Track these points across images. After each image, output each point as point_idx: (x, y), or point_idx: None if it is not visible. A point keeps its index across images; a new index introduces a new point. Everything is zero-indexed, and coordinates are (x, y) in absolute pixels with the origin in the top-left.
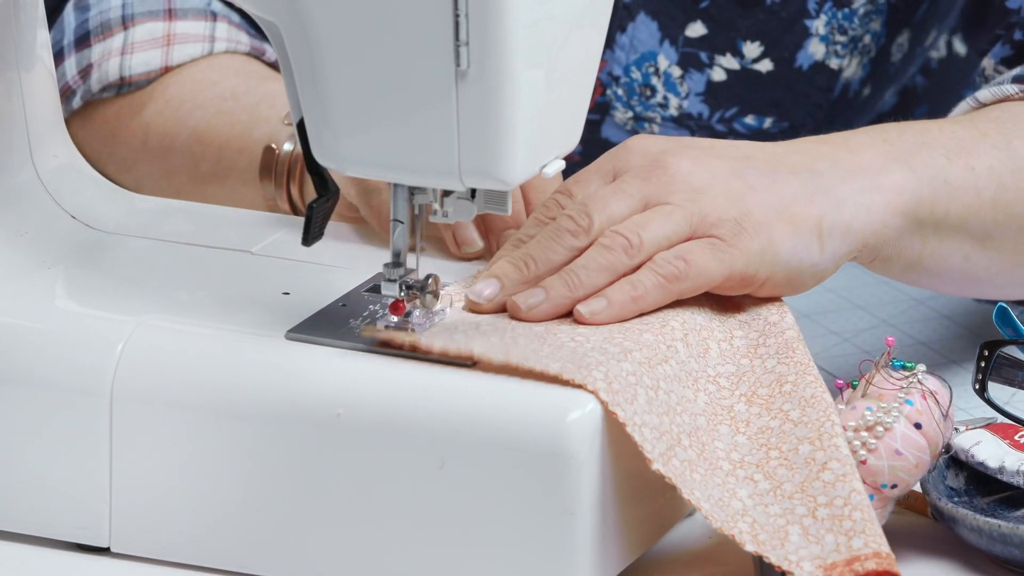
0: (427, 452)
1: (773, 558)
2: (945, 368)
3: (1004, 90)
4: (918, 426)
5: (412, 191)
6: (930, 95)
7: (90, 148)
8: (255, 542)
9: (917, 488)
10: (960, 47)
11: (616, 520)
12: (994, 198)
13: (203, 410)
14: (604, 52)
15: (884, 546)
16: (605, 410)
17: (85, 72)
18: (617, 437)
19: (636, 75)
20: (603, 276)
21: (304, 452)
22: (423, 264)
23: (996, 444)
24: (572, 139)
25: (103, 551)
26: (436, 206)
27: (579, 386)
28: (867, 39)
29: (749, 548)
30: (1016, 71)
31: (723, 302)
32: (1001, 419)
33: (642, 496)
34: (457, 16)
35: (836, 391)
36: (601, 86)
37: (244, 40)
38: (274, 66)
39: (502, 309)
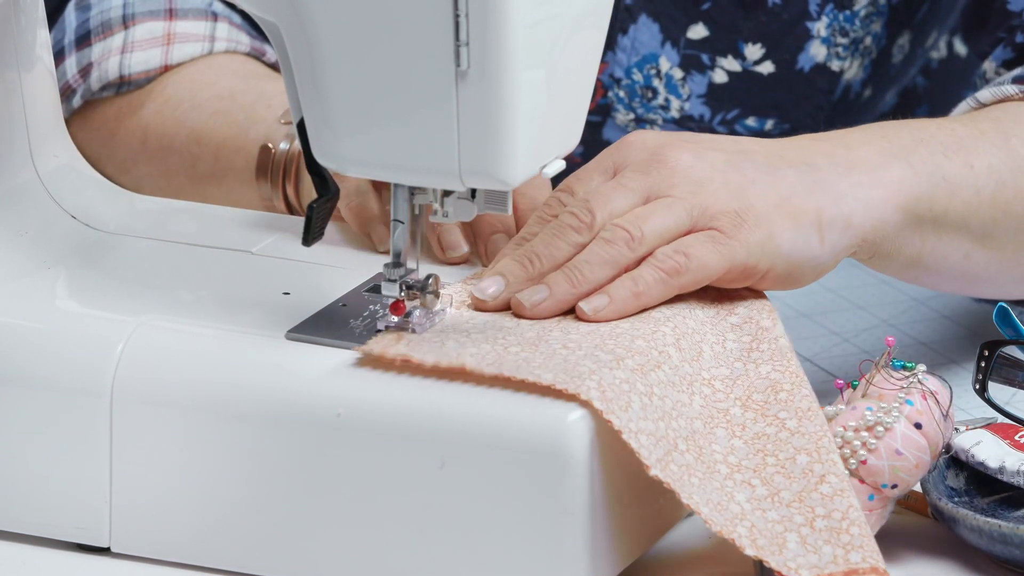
0: (427, 452)
1: (773, 563)
2: (945, 368)
3: (1004, 90)
4: (918, 426)
5: (412, 191)
6: (931, 95)
7: (90, 148)
8: (255, 542)
9: (917, 488)
10: (961, 48)
11: (616, 521)
12: (993, 196)
13: (203, 410)
14: (605, 54)
15: (881, 563)
16: (600, 418)
17: (85, 71)
18: (617, 438)
19: (638, 77)
20: (605, 270)
21: (304, 452)
22: (423, 264)
23: (996, 444)
24: (572, 139)
25: (103, 551)
26: (436, 206)
27: (572, 396)
28: (868, 41)
29: (749, 552)
30: (1016, 72)
31: (715, 307)
32: (1001, 419)
33: (642, 496)
34: (457, 16)
35: (836, 391)
36: (602, 88)
37: (244, 41)
38: (274, 67)
39: (506, 307)
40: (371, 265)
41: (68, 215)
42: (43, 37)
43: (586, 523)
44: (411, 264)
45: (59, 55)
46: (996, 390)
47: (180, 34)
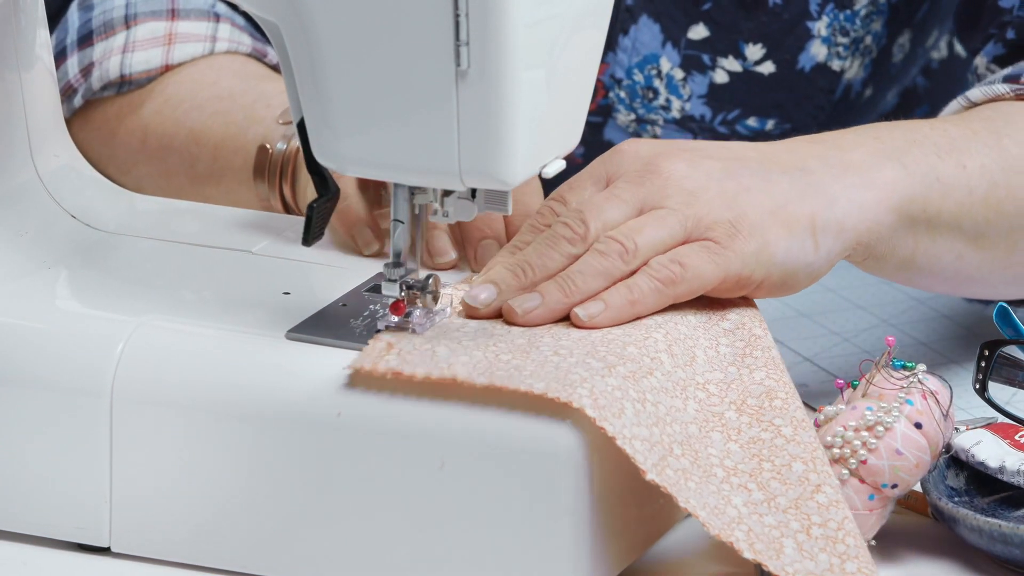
0: (427, 453)
1: (771, 567)
2: (945, 368)
3: (995, 89)
4: (918, 426)
5: (412, 191)
6: (931, 96)
7: (91, 148)
8: (255, 542)
9: (917, 488)
10: (961, 48)
11: (615, 521)
12: (986, 196)
13: (203, 410)
14: (606, 54)
15: (876, 574)
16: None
17: (87, 71)
18: (614, 441)
19: (638, 77)
20: (599, 281)
21: (304, 452)
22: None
23: (996, 444)
24: (572, 139)
25: (103, 551)
26: (436, 206)
27: (565, 404)
28: (868, 40)
29: (747, 555)
30: (1007, 71)
31: (707, 312)
32: (1001, 419)
33: (642, 497)
34: (457, 16)
35: (836, 391)
36: (603, 88)
37: (246, 42)
38: (276, 68)
39: (498, 315)
40: (371, 265)
41: (68, 215)
42: (43, 37)
43: (586, 523)
44: (412, 264)
45: (61, 55)
46: (996, 390)
47: (182, 34)
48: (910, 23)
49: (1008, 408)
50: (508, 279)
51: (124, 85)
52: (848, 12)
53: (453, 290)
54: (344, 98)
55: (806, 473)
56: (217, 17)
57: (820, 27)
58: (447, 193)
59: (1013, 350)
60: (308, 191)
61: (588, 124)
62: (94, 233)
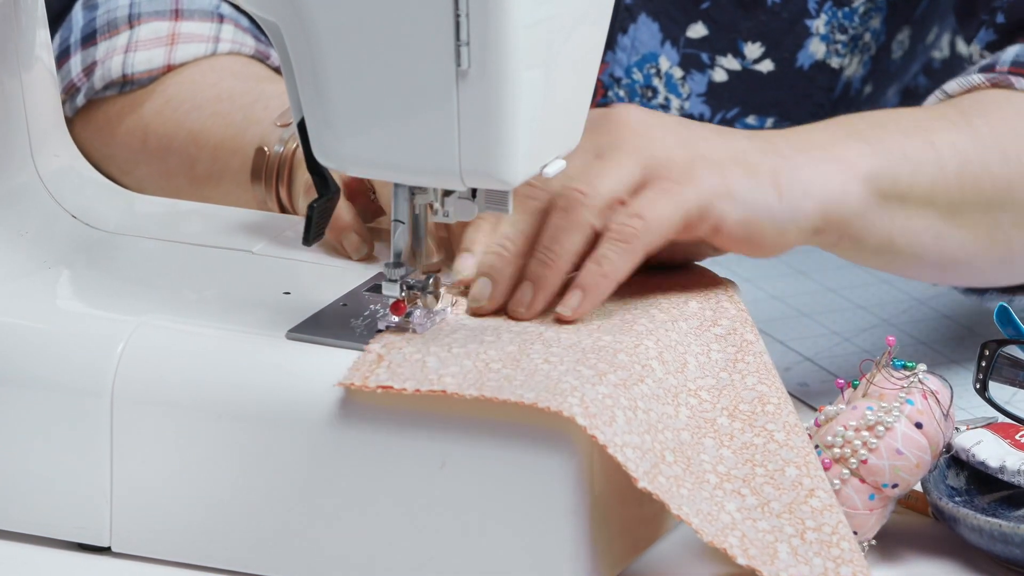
0: (427, 452)
1: (765, 572)
2: (946, 368)
3: (971, 80)
4: (919, 426)
5: (413, 191)
6: None
7: (93, 148)
8: (255, 541)
9: (918, 487)
10: (963, 48)
11: (616, 520)
12: (959, 172)
13: (203, 410)
14: (605, 53)
15: None
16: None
17: (89, 70)
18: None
19: (638, 76)
20: (573, 237)
21: (304, 452)
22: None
23: (997, 443)
24: (573, 139)
25: (104, 551)
26: (437, 206)
27: (556, 412)
28: (867, 37)
29: (741, 561)
30: (984, 61)
31: (698, 318)
32: (1002, 418)
33: (642, 496)
34: (458, 16)
35: (837, 390)
36: (603, 87)
37: (249, 43)
38: (279, 70)
39: (503, 298)
40: (371, 265)
41: (68, 215)
42: (43, 37)
43: (585, 523)
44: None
45: (65, 54)
46: (996, 389)
47: (184, 34)
48: (909, 19)
49: (1008, 408)
50: (495, 263)
51: (126, 85)
52: (846, 9)
53: (448, 292)
54: (344, 98)
55: (799, 478)
56: (221, 18)
57: (818, 25)
58: (447, 193)
59: (1013, 350)
60: (302, 193)
61: None
62: (94, 233)
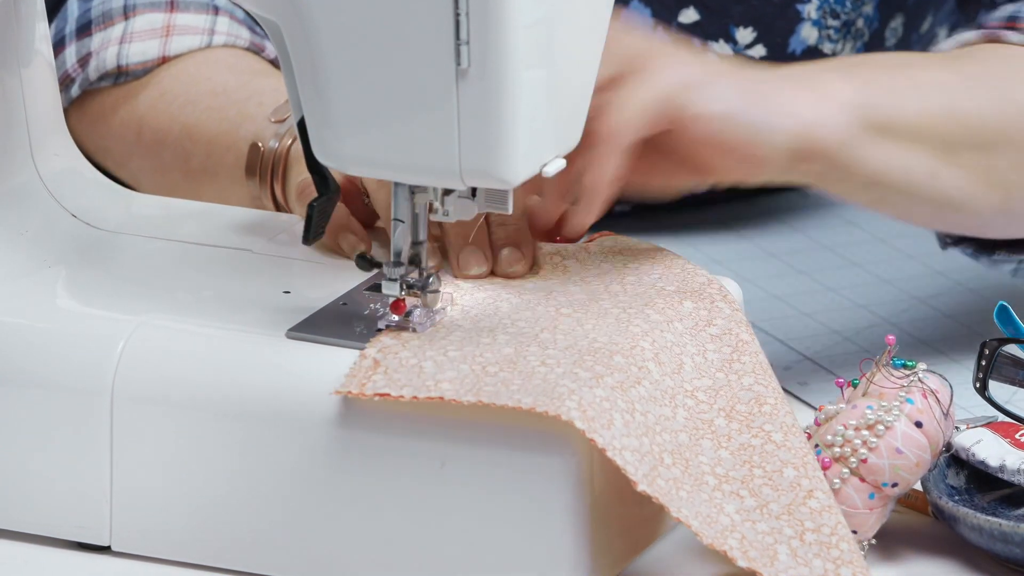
0: (427, 452)
1: (765, 574)
2: (945, 366)
3: (964, 37)
4: (919, 425)
5: (413, 190)
6: None
7: (88, 140)
8: (255, 541)
9: (917, 487)
10: None
11: (616, 520)
12: (948, 108)
13: (203, 409)
14: None
15: None
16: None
17: (84, 60)
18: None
19: None
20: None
21: (304, 451)
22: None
23: (997, 442)
24: (573, 138)
25: (104, 550)
26: (437, 205)
27: (554, 416)
28: (860, 23)
29: (741, 564)
30: (981, 22)
31: (693, 318)
32: (1002, 417)
33: (641, 497)
34: (458, 15)
35: (837, 389)
36: None
37: (244, 35)
38: (274, 63)
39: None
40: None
41: (69, 214)
42: (43, 31)
43: (585, 523)
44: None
45: (60, 44)
46: (996, 388)
47: (179, 26)
48: (902, 7)
49: (1008, 407)
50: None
51: (120, 76)
52: None
53: (453, 285)
54: (344, 97)
55: (798, 479)
56: (216, 10)
57: (810, 10)
58: (447, 192)
59: (1013, 349)
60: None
61: None
62: (95, 232)
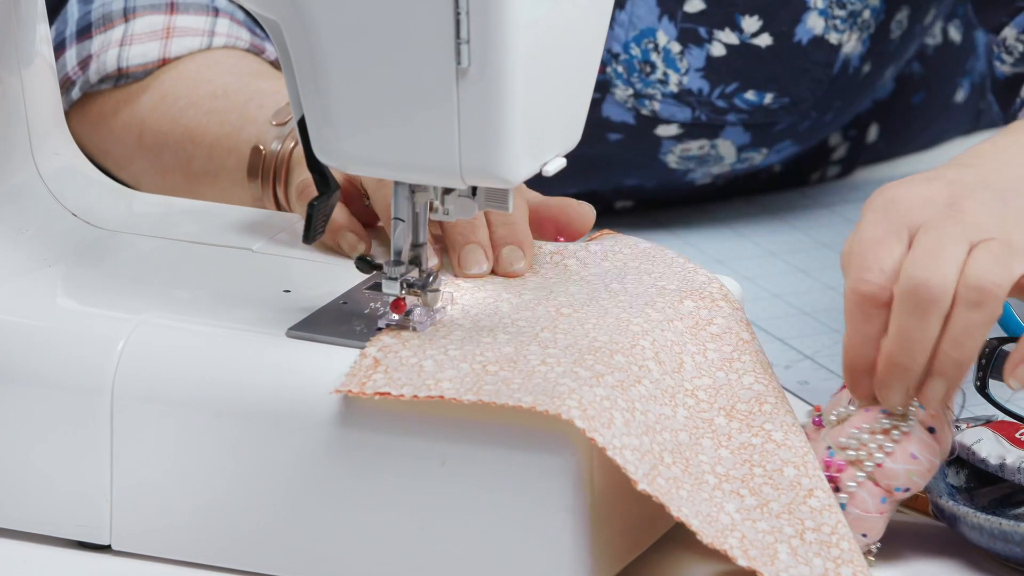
0: (427, 451)
1: (766, 573)
2: None
3: None
4: (931, 431)
5: (413, 189)
6: (927, 82)
7: (89, 142)
8: (255, 539)
9: None
10: (955, 35)
11: (616, 519)
12: None
13: (204, 408)
14: None
15: None
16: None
17: (84, 63)
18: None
19: (636, 52)
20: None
21: (304, 450)
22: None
23: (997, 442)
24: (573, 137)
25: (104, 549)
26: (437, 204)
27: (554, 415)
28: (866, 14)
29: (741, 563)
30: None
31: (693, 317)
32: (1002, 416)
33: (641, 495)
34: (458, 14)
35: (837, 389)
36: (601, 64)
37: (245, 37)
38: (275, 64)
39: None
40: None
41: (69, 213)
42: (43, 32)
43: (586, 522)
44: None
45: (60, 47)
46: (996, 387)
47: (180, 28)
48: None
49: (1008, 406)
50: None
51: (121, 78)
52: None
53: (453, 285)
54: (345, 96)
55: (798, 478)
56: (216, 11)
57: None
58: (448, 191)
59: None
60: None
61: None
62: (95, 231)
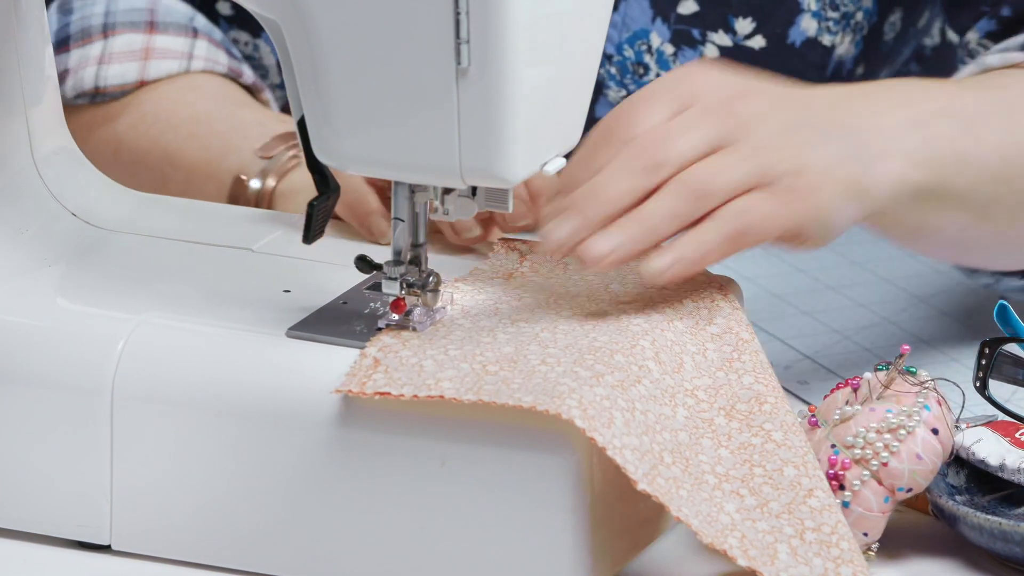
0: (427, 451)
1: (765, 573)
2: (945, 365)
3: (1012, 57)
4: (935, 432)
5: (413, 189)
6: None
7: None
8: (255, 539)
9: None
10: (953, 35)
11: (616, 519)
12: (996, 173)
13: (204, 408)
14: None
15: None
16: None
17: (61, 77)
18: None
19: (629, 53)
20: (672, 224)
21: (304, 450)
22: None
23: (997, 442)
24: (573, 137)
25: (104, 549)
26: (437, 204)
27: (554, 415)
28: (859, 16)
29: (741, 562)
30: (1020, 38)
31: (693, 317)
32: (1002, 417)
33: (641, 495)
34: (458, 14)
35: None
36: None
37: (223, 60)
38: (250, 89)
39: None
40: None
41: (69, 213)
42: (43, 29)
43: (586, 522)
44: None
45: None
46: (996, 387)
47: (158, 49)
48: (901, 1)
49: (1008, 406)
50: (584, 207)
51: (98, 96)
52: None
53: (452, 286)
54: (345, 96)
55: (798, 478)
56: (195, 32)
57: (810, 1)
58: (447, 191)
59: (1013, 348)
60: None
61: None
62: (95, 231)
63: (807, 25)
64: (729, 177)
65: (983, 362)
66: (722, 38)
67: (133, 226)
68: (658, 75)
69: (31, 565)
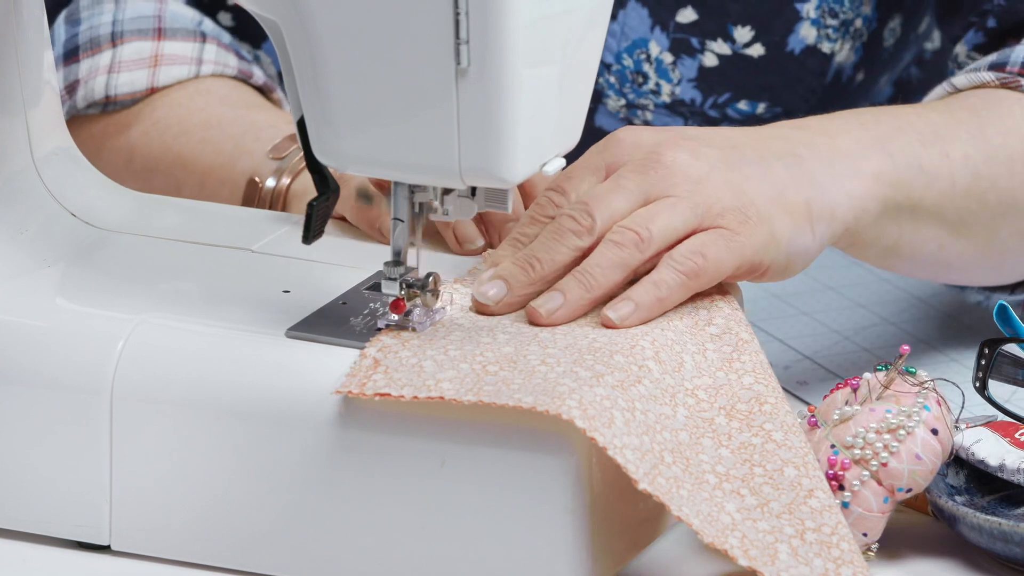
0: (427, 451)
1: (766, 573)
2: (945, 366)
3: (980, 77)
4: (935, 432)
5: (412, 189)
6: (925, 87)
7: None
8: (255, 540)
9: None
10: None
11: (616, 518)
12: (968, 187)
13: (203, 408)
14: None
15: None
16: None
17: (72, 87)
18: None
19: (628, 62)
20: (617, 273)
21: (304, 450)
22: (434, 256)
23: (996, 442)
24: (572, 137)
25: (103, 549)
26: (436, 204)
27: (555, 415)
28: (858, 23)
29: (742, 563)
30: (992, 58)
31: (693, 317)
32: (1001, 417)
33: (641, 495)
34: (457, 14)
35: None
36: None
37: (232, 63)
38: (262, 89)
39: (507, 310)
40: (371, 263)
41: (68, 213)
42: (44, 32)
43: (585, 522)
44: (412, 262)
45: None
46: (996, 388)
47: (168, 55)
48: (900, 7)
49: (1008, 406)
50: (517, 274)
51: (109, 105)
52: None
53: (451, 288)
54: (344, 96)
55: (798, 478)
56: (203, 36)
57: (809, 9)
58: (447, 191)
59: (1013, 348)
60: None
61: None
62: (94, 231)
63: (806, 33)
64: (666, 221)
65: (983, 362)
66: (721, 46)
67: (133, 226)
68: (657, 84)
69: (30, 565)
